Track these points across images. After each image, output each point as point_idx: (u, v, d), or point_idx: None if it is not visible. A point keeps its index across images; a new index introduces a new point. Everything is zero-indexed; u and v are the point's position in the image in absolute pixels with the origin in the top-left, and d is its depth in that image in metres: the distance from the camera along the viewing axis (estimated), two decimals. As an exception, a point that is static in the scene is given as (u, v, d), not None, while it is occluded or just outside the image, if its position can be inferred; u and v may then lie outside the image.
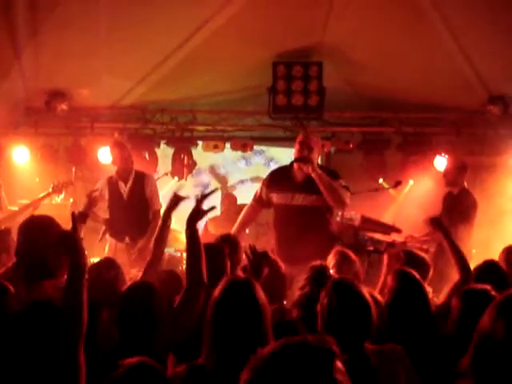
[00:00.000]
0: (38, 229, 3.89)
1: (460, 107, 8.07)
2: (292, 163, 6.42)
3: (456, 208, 7.14)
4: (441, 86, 7.48)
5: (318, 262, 4.54)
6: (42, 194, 7.02)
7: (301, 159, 6.27)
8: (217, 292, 2.99)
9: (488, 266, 4.53)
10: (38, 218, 4.19)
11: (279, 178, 6.63)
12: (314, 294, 4.00)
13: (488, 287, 3.62)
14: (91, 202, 5.79)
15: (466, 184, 7.38)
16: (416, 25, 6.55)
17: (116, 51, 6.80)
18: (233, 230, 6.63)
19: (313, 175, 6.22)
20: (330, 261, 5.23)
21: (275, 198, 6.56)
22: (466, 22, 6.22)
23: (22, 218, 5.86)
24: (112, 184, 7.17)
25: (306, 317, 3.94)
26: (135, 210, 6.99)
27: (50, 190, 6.95)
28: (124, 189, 7.13)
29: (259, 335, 2.86)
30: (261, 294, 2.99)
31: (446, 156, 8.07)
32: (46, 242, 3.72)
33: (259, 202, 6.78)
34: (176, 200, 4.45)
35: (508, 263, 4.75)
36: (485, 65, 6.87)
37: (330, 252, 5.69)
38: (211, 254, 3.96)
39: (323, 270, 4.37)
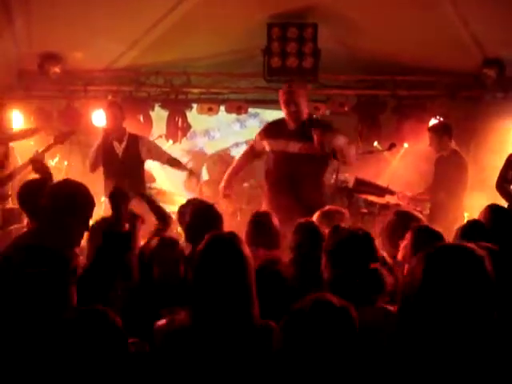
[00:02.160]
0: (68, 196, 3.85)
1: (455, 70, 8.03)
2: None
3: (447, 171, 7.16)
4: (437, 49, 7.44)
5: (305, 220, 4.57)
6: (41, 149, 6.95)
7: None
8: (201, 246, 3.00)
9: (471, 226, 4.56)
10: (69, 184, 4.06)
11: (273, 128, 6.78)
12: (308, 254, 4.07)
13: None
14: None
15: (454, 146, 7.37)
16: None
17: (109, 13, 6.74)
18: (226, 175, 6.89)
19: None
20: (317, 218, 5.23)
21: (269, 145, 6.66)
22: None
23: (25, 174, 6.01)
24: (107, 144, 7.14)
25: (301, 276, 4.00)
26: (129, 170, 6.97)
27: (52, 141, 6.86)
28: (119, 148, 7.12)
29: (243, 289, 2.87)
30: (245, 249, 2.98)
31: (441, 119, 8.05)
32: (73, 212, 3.76)
33: (252, 150, 6.96)
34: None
35: (490, 221, 4.79)
36: (480, 27, 6.83)
37: (318, 201, 6.05)
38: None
39: (314, 229, 4.39)
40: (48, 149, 6.49)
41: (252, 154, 6.96)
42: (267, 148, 6.67)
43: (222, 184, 6.79)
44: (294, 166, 6.39)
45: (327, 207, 5.51)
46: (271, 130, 6.75)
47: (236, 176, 7.11)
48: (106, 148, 7.13)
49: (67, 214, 3.77)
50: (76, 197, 3.85)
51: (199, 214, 4.44)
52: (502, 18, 6.33)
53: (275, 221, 4.83)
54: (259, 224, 4.74)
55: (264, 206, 6.47)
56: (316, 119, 6.89)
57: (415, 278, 2.21)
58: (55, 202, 3.83)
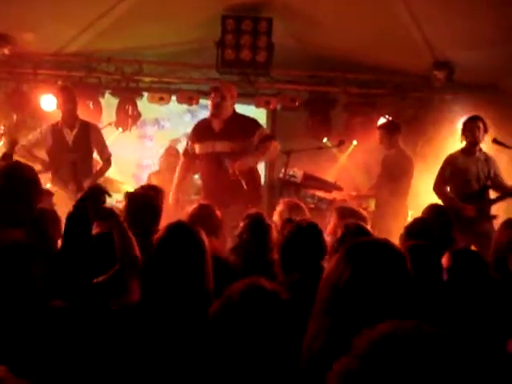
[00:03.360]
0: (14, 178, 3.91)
1: (406, 71, 8.17)
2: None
3: (392, 169, 7.29)
4: (389, 49, 7.55)
5: (253, 210, 4.65)
6: None
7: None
8: (159, 233, 3.04)
9: (417, 224, 4.69)
10: (16, 166, 4.13)
11: (199, 130, 6.87)
12: (251, 241, 4.15)
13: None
14: (11, 141, 5.76)
15: (401, 144, 7.51)
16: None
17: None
18: (172, 188, 6.85)
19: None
20: (280, 210, 5.35)
21: (198, 148, 6.77)
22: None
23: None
24: (56, 130, 7.04)
25: (243, 262, 4.08)
26: (80, 157, 6.89)
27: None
28: (69, 135, 7.03)
29: (200, 275, 2.94)
30: (203, 236, 3.06)
31: (390, 118, 8.18)
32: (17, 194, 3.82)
33: (188, 155, 6.99)
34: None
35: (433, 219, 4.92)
36: (432, 30, 6.94)
37: (253, 196, 6.33)
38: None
39: (260, 217, 4.46)
40: None
41: (189, 158, 6.99)
42: (197, 151, 6.78)
43: (171, 197, 6.71)
44: (220, 163, 6.47)
45: (292, 200, 5.64)
46: (197, 133, 6.86)
47: (181, 186, 7.13)
48: (54, 134, 7.03)
49: (12, 196, 3.82)
50: (22, 179, 3.90)
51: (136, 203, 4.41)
52: (453, 22, 6.45)
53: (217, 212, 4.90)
54: (203, 215, 4.80)
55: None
56: (239, 115, 6.85)
57: (333, 271, 2.26)
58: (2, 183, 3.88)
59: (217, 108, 6.59)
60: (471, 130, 6.56)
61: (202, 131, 6.80)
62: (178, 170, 7.08)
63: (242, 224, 4.43)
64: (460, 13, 6.19)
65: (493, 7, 5.96)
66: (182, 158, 7.15)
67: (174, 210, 6.53)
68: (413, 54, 7.53)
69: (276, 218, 5.33)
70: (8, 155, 5.68)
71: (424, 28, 6.88)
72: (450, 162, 6.71)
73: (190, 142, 6.96)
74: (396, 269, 2.23)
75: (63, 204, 5.39)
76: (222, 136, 6.57)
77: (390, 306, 2.15)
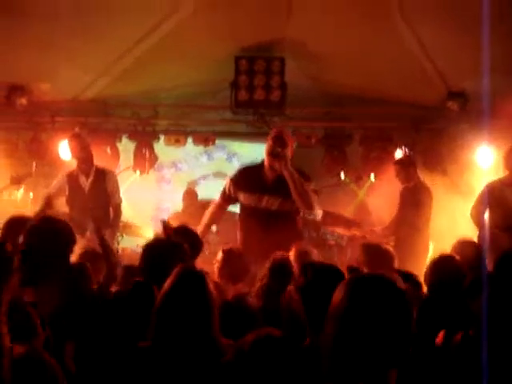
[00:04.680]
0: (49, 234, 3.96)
1: (420, 102, 8.16)
2: (263, 161, 6.19)
3: (411, 202, 7.25)
4: (402, 82, 7.55)
5: (279, 254, 4.59)
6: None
7: (275, 154, 5.98)
8: (168, 281, 3.05)
9: (443, 260, 4.61)
10: (50, 221, 4.18)
11: (248, 177, 6.36)
12: (272, 285, 4.09)
13: None
14: (48, 203, 5.80)
15: (420, 177, 7.46)
16: (378, 21, 6.61)
17: (76, 43, 6.72)
18: (199, 229, 6.35)
19: (285, 173, 5.97)
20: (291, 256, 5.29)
21: (243, 197, 6.35)
22: (425, 17, 6.30)
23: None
24: (72, 178, 7.13)
25: (265, 307, 4.02)
26: (96, 204, 6.94)
27: (9, 181, 6.85)
28: (85, 183, 7.09)
29: (205, 325, 2.94)
30: (210, 286, 3.07)
31: (407, 150, 8.16)
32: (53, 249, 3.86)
33: (226, 199, 6.56)
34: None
35: (461, 255, 4.84)
36: (444, 61, 6.96)
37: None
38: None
39: (284, 262, 4.42)
40: (4, 189, 6.53)
41: (227, 202, 6.60)
42: (241, 200, 6.36)
43: None
44: (266, 221, 6.13)
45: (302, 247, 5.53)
46: (246, 181, 6.34)
47: (212, 225, 6.85)
48: (71, 182, 7.10)
49: (48, 251, 3.84)
50: (57, 234, 3.95)
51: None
52: (465, 52, 6.45)
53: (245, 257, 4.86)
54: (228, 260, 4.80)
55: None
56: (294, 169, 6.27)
57: (335, 305, 2.22)
58: (37, 240, 3.89)
59: (275, 158, 6.03)
60: None
61: (251, 180, 6.29)
62: (209, 210, 6.65)
63: (266, 267, 4.39)
64: (471, 43, 6.19)
65: (504, 35, 5.95)
66: (218, 200, 6.67)
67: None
68: (426, 85, 7.53)
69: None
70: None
71: (436, 59, 6.90)
72: (491, 191, 6.62)
73: (232, 187, 6.42)
74: (392, 305, 2.18)
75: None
76: (274, 191, 6.14)
77: (385, 341, 2.10)
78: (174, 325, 2.92)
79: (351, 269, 3.76)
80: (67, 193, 7.10)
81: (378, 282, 2.26)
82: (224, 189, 6.58)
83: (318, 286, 3.38)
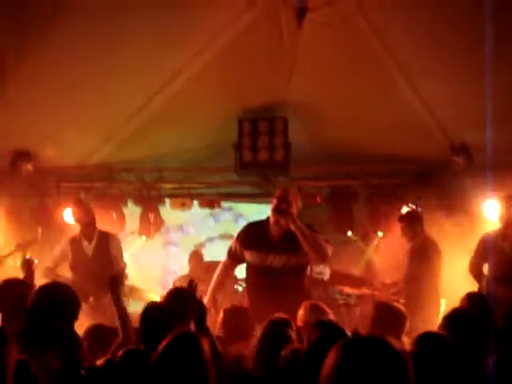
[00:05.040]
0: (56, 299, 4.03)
1: (424, 158, 8.15)
2: (268, 218, 6.16)
3: (420, 258, 7.16)
4: (404, 138, 7.56)
5: (278, 316, 4.50)
6: (4, 253, 6.91)
7: (279, 210, 5.95)
8: (161, 346, 3.00)
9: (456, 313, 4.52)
10: (56, 287, 4.27)
11: (254, 235, 6.32)
12: (268, 345, 3.99)
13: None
14: (26, 262, 5.78)
15: (426, 233, 7.39)
16: (378, 79, 6.65)
17: (80, 108, 6.76)
18: (209, 290, 6.40)
19: (292, 227, 5.88)
20: (300, 313, 5.19)
21: (249, 256, 6.30)
22: (425, 73, 6.34)
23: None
24: (75, 243, 7.13)
25: (260, 367, 3.93)
26: (100, 269, 6.89)
27: (14, 248, 6.84)
28: (88, 247, 7.08)
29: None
30: (205, 349, 3.01)
31: (413, 206, 8.12)
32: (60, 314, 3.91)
33: (234, 258, 6.50)
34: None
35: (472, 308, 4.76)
36: (445, 114, 6.97)
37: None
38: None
39: (282, 322, 4.32)
40: (9, 255, 6.51)
41: (235, 260, 6.54)
42: (247, 258, 6.31)
43: (207, 299, 6.22)
44: (274, 279, 6.07)
45: (313, 302, 5.43)
46: (252, 239, 6.31)
47: (222, 285, 6.72)
48: (74, 247, 7.08)
49: (55, 316, 3.89)
50: (63, 299, 4.03)
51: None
52: (466, 105, 6.48)
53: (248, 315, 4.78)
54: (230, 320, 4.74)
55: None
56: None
57: (328, 369, 2.15)
58: (44, 304, 3.96)
59: (280, 214, 6.00)
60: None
61: (256, 237, 6.26)
62: (218, 271, 6.55)
63: (262, 327, 4.29)
64: (470, 94, 6.22)
65: (506, 84, 5.97)
66: (225, 260, 6.60)
67: (211, 315, 6.27)
68: (428, 140, 7.52)
69: (299, 322, 5.14)
70: (28, 279, 5.62)
71: (437, 113, 6.91)
72: (485, 242, 6.54)
73: (238, 246, 6.40)
74: (386, 368, 2.10)
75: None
76: (280, 249, 6.09)
77: None
78: None
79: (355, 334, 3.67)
80: (70, 258, 7.07)
81: (372, 344, 2.19)
82: (230, 247, 6.55)
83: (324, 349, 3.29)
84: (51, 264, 7.03)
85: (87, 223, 7.15)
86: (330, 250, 6.10)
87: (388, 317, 4.71)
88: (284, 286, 6.00)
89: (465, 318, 4.41)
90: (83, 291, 6.81)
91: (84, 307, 6.65)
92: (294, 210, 6.09)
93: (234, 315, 4.88)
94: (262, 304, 5.88)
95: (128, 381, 3.27)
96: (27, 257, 6.13)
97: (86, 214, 7.16)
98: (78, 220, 7.22)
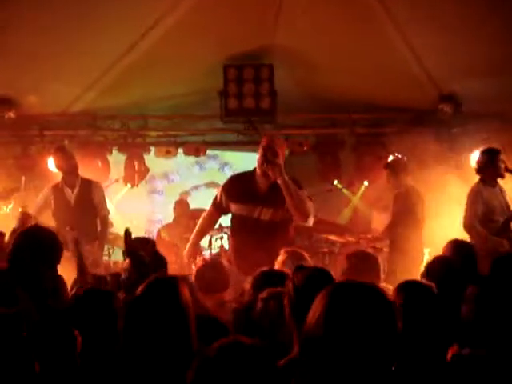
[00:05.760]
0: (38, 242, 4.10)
1: (412, 107, 8.12)
2: (254, 169, 5.96)
3: (404, 206, 7.15)
4: (392, 86, 7.51)
5: (266, 268, 4.47)
6: None
7: (268, 161, 5.71)
8: (139, 289, 2.97)
9: (437, 261, 4.53)
10: (38, 230, 4.33)
11: (240, 187, 6.11)
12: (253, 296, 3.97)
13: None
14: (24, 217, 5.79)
15: (411, 182, 7.37)
16: (366, 25, 6.57)
17: (63, 56, 6.66)
18: (191, 238, 6.28)
19: (279, 181, 5.69)
20: (281, 260, 5.18)
21: (234, 207, 6.12)
22: (413, 20, 6.26)
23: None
24: (58, 191, 7.06)
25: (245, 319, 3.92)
26: (82, 216, 6.85)
27: None
28: (70, 195, 7.02)
29: (181, 334, 2.84)
30: (185, 293, 2.94)
31: (399, 156, 8.09)
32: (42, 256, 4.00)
33: (218, 208, 6.30)
34: None
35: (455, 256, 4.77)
36: (434, 64, 6.91)
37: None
38: None
39: (270, 273, 4.30)
40: None
41: (219, 210, 6.32)
42: (233, 210, 6.13)
43: (187, 249, 6.18)
44: (258, 231, 5.91)
45: (293, 248, 5.42)
46: (238, 191, 6.08)
47: (205, 234, 6.64)
48: (56, 195, 7.04)
49: (37, 259, 3.95)
50: (45, 242, 4.09)
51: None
52: (454, 54, 6.41)
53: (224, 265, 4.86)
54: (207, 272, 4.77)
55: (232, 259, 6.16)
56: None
57: (315, 316, 2.12)
58: (26, 247, 4.02)
59: (268, 165, 5.73)
60: (496, 164, 6.39)
61: (243, 190, 6.03)
62: (201, 219, 6.40)
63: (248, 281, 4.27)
64: (460, 42, 6.14)
65: (495, 34, 5.90)
66: (209, 208, 6.39)
67: (187, 266, 6.20)
68: (417, 89, 7.48)
69: (278, 267, 5.11)
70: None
71: (426, 62, 6.84)
72: (479, 196, 6.50)
73: (224, 197, 6.16)
74: (375, 313, 2.08)
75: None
76: (267, 202, 5.90)
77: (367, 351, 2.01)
78: (144, 331, 2.82)
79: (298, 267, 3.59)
80: (53, 206, 7.02)
81: (361, 290, 2.16)
82: (216, 197, 6.35)
83: (309, 291, 3.25)
84: (34, 212, 6.96)
85: (69, 171, 7.07)
86: (312, 209, 5.96)
87: (359, 264, 4.67)
88: (269, 238, 5.85)
89: (445, 266, 4.42)
90: (64, 239, 6.82)
91: (65, 254, 6.72)
92: (281, 160, 5.86)
93: (208, 270, 4.87)
94: (246, 255, 5.82)
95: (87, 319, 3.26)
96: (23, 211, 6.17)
97: (67, 162, 7.06)
98: (59, 167, 7.14)
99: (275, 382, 1.99)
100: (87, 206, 7.02)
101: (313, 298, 3.17)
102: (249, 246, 5.92)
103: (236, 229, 6.23)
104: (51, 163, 7.99)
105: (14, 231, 5.78)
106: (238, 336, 2.11)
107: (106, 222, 7.15)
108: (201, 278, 4.68)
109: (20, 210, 6.48)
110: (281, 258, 5.10)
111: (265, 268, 4.36)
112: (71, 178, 7.07)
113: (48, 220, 7.00)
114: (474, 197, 6.42)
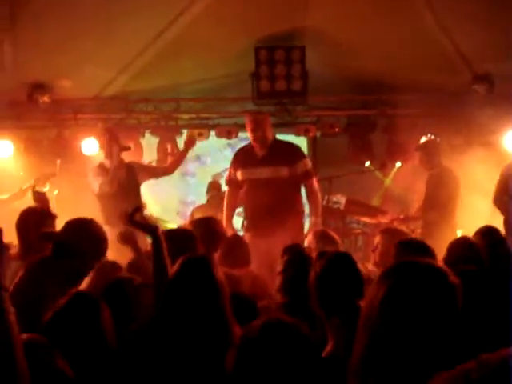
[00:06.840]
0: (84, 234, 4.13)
1: (445, 88, 8.01)
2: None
3: (438, 189, 7.12)
4: (425, 67, 7.44)
5: (293, 244, 4.51)
6: (24, 186, 6.98)
7: (259, 139, 6.83)
8: (173, 270, 3.01)
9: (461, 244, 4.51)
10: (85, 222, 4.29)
11: (242, 156, 7.00)
12: (296, 277, 3.97)
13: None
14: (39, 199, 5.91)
15: (444, 163, 7.32)
16: (398, 6, 6.52)
17: (96, 40, 6.72)
18: (224, 218, 6.81)
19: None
20: (308, 240, 5.24)
21: (240, 174, 6.84)
22: (450, 3, 6.20)
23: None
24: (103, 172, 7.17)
25: (292, 301, 3.92)
26: (128, 196, 6.91)
27: (33, 182, 6.91)
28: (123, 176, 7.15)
29: (216, 313, 2.89)
30: (217, 272, 3.02)
31: (432, 136, 8.03)
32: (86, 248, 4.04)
33: (231, 184, 7.04)
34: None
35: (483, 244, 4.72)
36: (468, 44, 6.84)
37: (296, 222, 6.30)
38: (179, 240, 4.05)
39: (302, 251, 4.33)
40: (27, 189, 6.61)
41: (235, 188, 7.03)
42: (239, 178, 6.85)
43: (225, 226, 6.47)
44: (265, 190, 6.55)
45: (320, 228, 5.50)
46: (240, 160, 6.97)
47: (233, 212, 7.12)
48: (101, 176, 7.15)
49: (82, 250, 3.99)
50: (90, 235, 4.12)
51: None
52: (488, 34, 6.33)
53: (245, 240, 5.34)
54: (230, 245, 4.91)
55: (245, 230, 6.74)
56: (282, 141, 7.09)
57: (376, 296, 2.11)
58: (72, 238, 4.05)
59: (258, 140, 6.79)
60: None
61: (244, 158, 6.93)
62: (225, 202, 7.06)
63: (283, 259, 4.27)
64: (495, 25, 6.07)
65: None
66: (227, 189, 7.20)
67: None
68: (450, 69, 7.40)
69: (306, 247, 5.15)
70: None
71: (459, 42, 6.78)
72: (510, 173, 6.46)
73: (232, 170, 7.03)
74: (435, 291, 2.07)
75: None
76: (266, 162, 6.69)
77: (427, 329, 2.02)
78: (179, 311, 2.87)
79: (320, 254, 3.57)
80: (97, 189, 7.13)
81: (418, 267, 2.15)
82: (226, 176, 7.22)
83: (333, 275, 3.25)
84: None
85: (114, 151, 7.20)
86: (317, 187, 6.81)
87: (393, 240, 4.66)
88: (274, 196, 6.48)
89: (466, 248, 4.39)
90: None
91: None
92: (269, 133, 6.87)
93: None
94: (256, 217, 6.56)
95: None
96: (36, 189, 6.28)
97: (113, 141, 7.23)
98: (104, 147, 7.28)
99: (316, 361, 2.02)
100: (132, 185, 7.28)
101: (335, 285, 3.19)
102: (256, 208, 6.62)
103: (244, 195, 6.90)
104: (85, 146, 8.11)
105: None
106: (279, 314, 2.14)
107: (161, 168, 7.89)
108: (229, 252, 4.83)
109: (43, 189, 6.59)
110: (310, 238, 5.19)
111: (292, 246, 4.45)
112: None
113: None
114: (506, 173, 6.42)
